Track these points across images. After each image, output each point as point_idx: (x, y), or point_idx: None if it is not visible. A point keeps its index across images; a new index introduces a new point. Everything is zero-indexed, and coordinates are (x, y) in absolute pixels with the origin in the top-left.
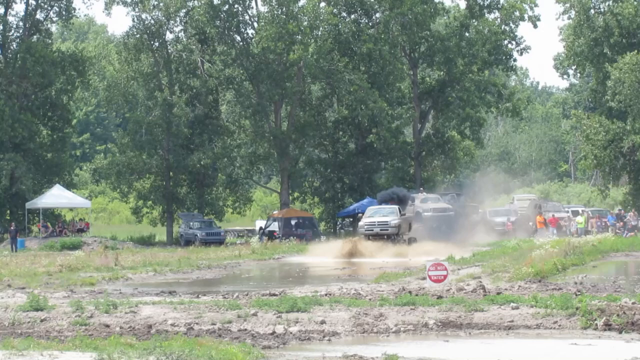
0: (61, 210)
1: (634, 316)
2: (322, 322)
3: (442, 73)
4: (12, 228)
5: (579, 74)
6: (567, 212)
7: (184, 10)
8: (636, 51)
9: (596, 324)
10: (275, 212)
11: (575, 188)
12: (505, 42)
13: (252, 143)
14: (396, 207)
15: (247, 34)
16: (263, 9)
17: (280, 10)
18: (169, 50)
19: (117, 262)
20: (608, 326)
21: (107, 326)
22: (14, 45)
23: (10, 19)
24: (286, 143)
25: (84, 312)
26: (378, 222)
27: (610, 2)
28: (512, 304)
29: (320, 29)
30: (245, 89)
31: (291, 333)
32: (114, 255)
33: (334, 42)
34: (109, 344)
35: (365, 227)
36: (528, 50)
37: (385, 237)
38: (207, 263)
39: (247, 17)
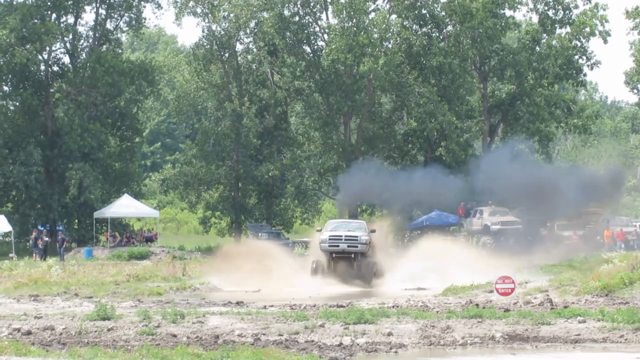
0: (129, 219)
1: None
2: (389, 334)
3: (512, 87)
4: (60, 237)
5: None
6: (635, 226)
7: (254, 22)
8: None
9: None
10: None
11: None
12: (576, 57)
13: (321, 155)
14: (364, 222)
15: (317, 45)
16: (333, 21)
17: (350, 22)
18: (239, 61)
19: (184, 272)
20: None
21: (174, 336)
22: (84, 55)
23: (80, 28)
24: (355, 155)
25: (151, 321)
26: (345, 236)
27: None
28: (578, 317)
29: (391, 41)
30: (315, 101)
31: (358, 345)
32: (182, 265)
33: (404, 54)
34: (176, 354)
35: (329, 242)
36: (598, 65)
37: (353, 255)
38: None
39: (317, 29)
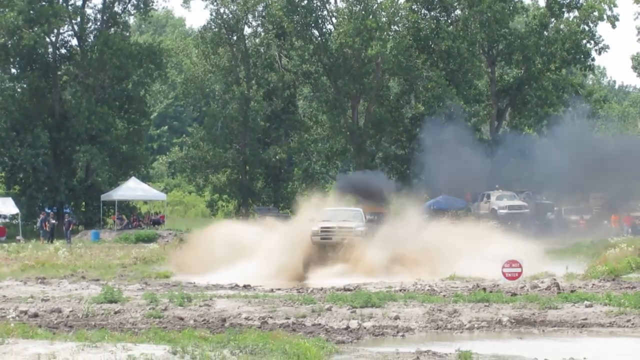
0: (136, 202)
1: None
2: (396, 318)
3: (520, 71)
4: (67, 220)
5: None
6: None
7: (262, 5)
8: None
9: None
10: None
11: None
12: (584, 41)
13: (328, 138)
14: (361, 210)
15: (325, 29)
16: (342, 4)
17: (359, 6)
18: (247, 45)
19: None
20: None
21: (181, 319)
22: (92, 38)
23: (88, 11)
24: (363, 139)
25: (158, 304)
26: (339, 227)
27: None
28: (585, 302)
29: (399, 25)
30: (323, 84)
31: (365, 328)
32: None
33: (413, 38)
34: (182, 337)
35: (321, 233)
36: (606, 50)
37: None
38: None
39: (325, 13)
